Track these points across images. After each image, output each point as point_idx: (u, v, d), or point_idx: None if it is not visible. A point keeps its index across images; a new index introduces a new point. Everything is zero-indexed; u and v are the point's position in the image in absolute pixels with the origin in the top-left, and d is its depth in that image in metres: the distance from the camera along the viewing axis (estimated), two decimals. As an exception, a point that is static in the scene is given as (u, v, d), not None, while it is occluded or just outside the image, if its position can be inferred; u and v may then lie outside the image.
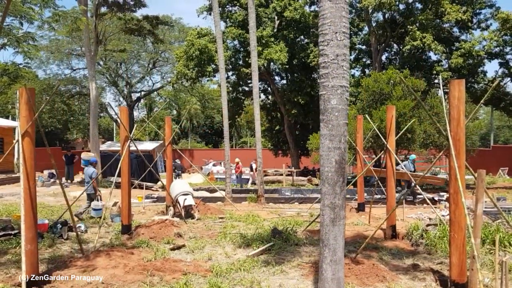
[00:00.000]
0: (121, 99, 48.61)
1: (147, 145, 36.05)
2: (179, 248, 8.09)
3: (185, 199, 11.64)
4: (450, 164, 5.66)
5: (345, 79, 4.63)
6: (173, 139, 14.13)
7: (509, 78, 26.03)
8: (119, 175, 9.59)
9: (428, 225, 9.26)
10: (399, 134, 11.29)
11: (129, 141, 9.60)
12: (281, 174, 25.17)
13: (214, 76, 29.05)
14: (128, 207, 9.61)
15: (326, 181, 4.72)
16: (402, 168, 11.62)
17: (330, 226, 4.74)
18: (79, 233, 8.41)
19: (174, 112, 58.53)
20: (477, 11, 26.09)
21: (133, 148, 10.57)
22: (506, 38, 24.66)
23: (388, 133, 9.38)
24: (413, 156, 16.74)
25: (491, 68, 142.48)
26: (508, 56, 25.67)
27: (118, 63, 45.06)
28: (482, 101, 6.99)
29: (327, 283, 4.77)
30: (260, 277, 6.25)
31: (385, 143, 9.46)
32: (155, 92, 50.83)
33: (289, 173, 25.14)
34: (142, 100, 52.96)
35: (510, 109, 27.07)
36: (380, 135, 11.22)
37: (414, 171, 15.90)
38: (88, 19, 21.67)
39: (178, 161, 24.59)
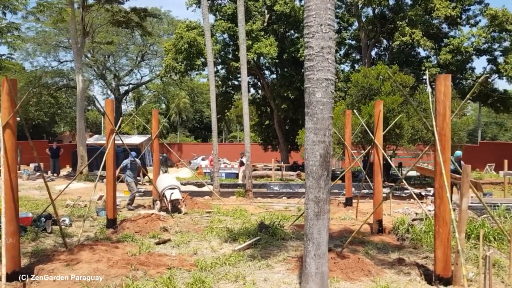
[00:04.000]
0: (109, 92, 48.10)
1: (135, 139, 35.73)
2: (164, 242, 8.02)
3: (172, 193, 11.55)
4: (435, 159, 5.66)
5: (330, 72, 4.57)
6: (161, 133, 14.01)
7: (496, 75, 26.20)
8: (104, 169, 9.46)
9: (414, 219, 9.30)
10: (387, 129, 11.28)
11: (114, 134, 9.47)
12: (270, 169, 25.14)
13: (203, 70, 28.83)
14: (113, 201, 9.52)
15: (311, 175, 4.68)
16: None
17: (314, 220, 4.71)
18: (63, 226, 8.30)
19: (163, 105, 58.12)
20: (466, 7, 26.18)
21: (119, 141, 10.44)
22: (494, 34, 24.82)
23: (376, 128, 9.37)
24: (458, 152, 14.20)
25: (480, 64, 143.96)
26: (496, 53, 25.86)
27: (106, 56, 44.47)
28: (468, 96, 7.01)
29: (310, 277, 4.74)
30: (246, 271, 6.21)
31: (373, 138, 9.46)
32: (144, 86, 50.37)
33: (278, 167, 25.13)
34: (130, 94, 52.45)
35: (498, 106, 27.33)
36: (368, 130, 11.23)
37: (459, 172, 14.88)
38: (74, 10, 21.32)
39: (165, 155, 24.34)
